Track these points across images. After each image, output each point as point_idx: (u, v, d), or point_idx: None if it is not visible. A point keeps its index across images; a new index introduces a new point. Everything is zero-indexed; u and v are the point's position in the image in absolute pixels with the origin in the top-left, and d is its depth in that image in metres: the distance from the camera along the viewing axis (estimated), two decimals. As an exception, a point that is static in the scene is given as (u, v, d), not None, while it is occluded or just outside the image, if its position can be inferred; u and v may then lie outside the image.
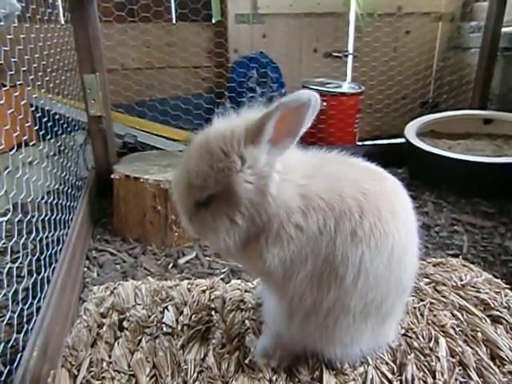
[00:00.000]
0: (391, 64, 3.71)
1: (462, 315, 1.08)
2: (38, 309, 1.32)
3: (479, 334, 1.01)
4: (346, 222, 0.78)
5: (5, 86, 1.64)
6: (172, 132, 3.12)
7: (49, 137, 1.90)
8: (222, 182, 0.78)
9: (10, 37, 1.40)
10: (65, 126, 2.25)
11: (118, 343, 1.02)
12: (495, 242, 2.11)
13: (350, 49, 3.69)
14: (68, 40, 2.43)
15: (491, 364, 0.93)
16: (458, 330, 1.03)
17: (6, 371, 1.16)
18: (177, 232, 2.07)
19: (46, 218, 1.62)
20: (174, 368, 0.94)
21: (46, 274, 1.48)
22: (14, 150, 1.47)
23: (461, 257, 1.83)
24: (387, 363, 0.93)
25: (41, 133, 1.88)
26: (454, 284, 1.21)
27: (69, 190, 2.04)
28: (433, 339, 1.00)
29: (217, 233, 0.81)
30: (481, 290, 1.17)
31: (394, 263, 0.81)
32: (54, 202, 1.76)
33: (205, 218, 0.82)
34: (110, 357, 0.98)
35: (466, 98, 3.61)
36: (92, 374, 0.93)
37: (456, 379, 0.89)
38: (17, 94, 1.50)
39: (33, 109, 1.99)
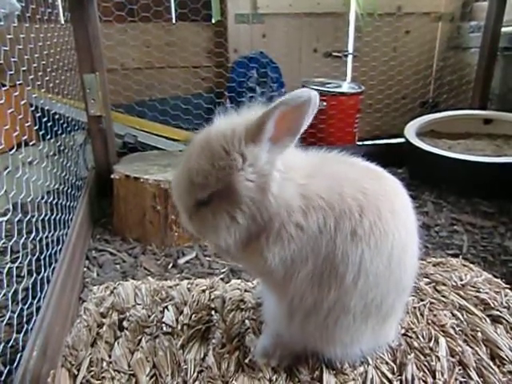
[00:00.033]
0: (391, 64, 3.70)
1: (462, 315, 1.08)
2: (38, 309, 1.31)
3: (479, 334, 1.01)
4: (346, 221, 0.78)
5: (5, 85, 1.64)
6: (172, 132, 3.12)
7: (49, 137, 1.90)
8: (222, 180, 0.78)
9: (9, 36, 1.40)
10: (65, 125, 2.25)
11: (118, 343, 1.02)
12: (495, 241, 2.11)
13: (350, 49, 3.69)
14: (68, 40, 2.43)
15: (491, 364, 0.93)
16: (457, 329, 1.03)
17: (5, 371, 1.16)
18: (177, 232, 2.07)
19: (46, 218, 1.62)
20: (173, 368, 0.94)
21: (45, 274, 1.48)
22: (14, 150, 1.47)
23: (461, 257, 1.83)
24: (387, 363, 0.93)
25: (41, 133, 1.88)
26: (454, 284, 1.21)
27: (69, 190, 2.04)
28: (433, 339, 1.00)
29: (217, 231, 0.81)
30: (481, 290, 1.17)
31: (393, 263, 0.81)
32: (54, 202, 1.76)
33: (205, 217, 0.81)
34: (109, 356, 0.98)
35: (466, 98, 3.61)
36: (92, 373, 0.93)
37: (456, 379, 0.89)
38: (17, 93, 1.50)
39: (33, 108, 1.99)
